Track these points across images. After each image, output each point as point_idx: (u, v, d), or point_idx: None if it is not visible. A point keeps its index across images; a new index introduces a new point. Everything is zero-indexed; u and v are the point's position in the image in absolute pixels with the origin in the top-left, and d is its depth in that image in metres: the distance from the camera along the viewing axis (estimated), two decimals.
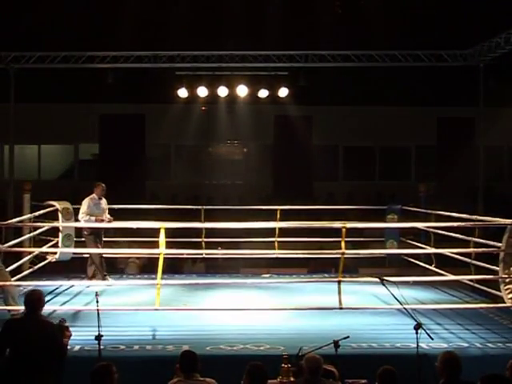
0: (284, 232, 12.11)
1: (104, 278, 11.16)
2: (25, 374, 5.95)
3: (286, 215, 12.01)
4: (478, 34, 14.37)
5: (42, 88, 17.51)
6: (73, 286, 10.40)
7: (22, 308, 8.13)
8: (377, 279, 7.02)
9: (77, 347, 7.08)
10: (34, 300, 6.23)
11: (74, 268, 11.69)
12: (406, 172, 20.12)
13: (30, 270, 10.83)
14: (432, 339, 6.49)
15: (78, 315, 8.54)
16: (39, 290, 6.55)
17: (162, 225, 8.52)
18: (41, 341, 6.00)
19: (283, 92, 15.98)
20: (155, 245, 8.67)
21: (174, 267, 12.74)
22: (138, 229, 11.35)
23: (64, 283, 10.36)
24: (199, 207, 12.73)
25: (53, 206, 11.34)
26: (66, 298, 9.90)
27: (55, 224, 10.99)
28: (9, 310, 8.32)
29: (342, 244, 8.64)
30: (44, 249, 10.84)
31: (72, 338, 6.67)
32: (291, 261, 12.30)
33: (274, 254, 11.08)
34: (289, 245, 12.21)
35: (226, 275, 11.99)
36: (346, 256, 8.84)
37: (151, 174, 19.53)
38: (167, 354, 7.11)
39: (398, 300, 6.61)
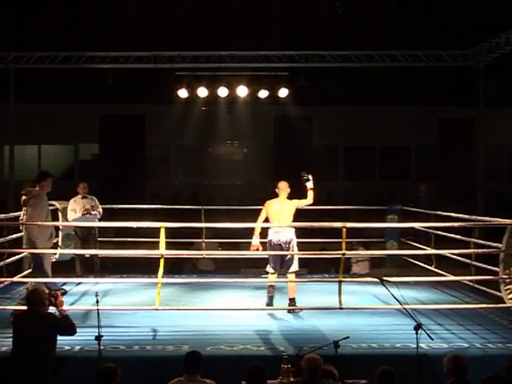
0: None
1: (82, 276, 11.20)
2: (23, 366, 6.03)
3: None
4: (478, 34, 14.36)
5: (41, 88, 17.49)
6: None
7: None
8: (377, 279, 7.02)
9: (77, 347, 7.08)
10: (35, 298, 6.38)
11: (72, 268, 11.67)
12: (405, 172, 20.11)
13: (30, 269, 10.80)
14: (432, 339, 6.50)
15: (77, 315, 8.52)
16: (39, 288, 6.65)
17: (162, 224, 8.51)
18: (40, 335, 6.13)
19: (283, 92, 15.96)
20: (155, 245, 8.65)
21: (174, 267, 12.73)
22: (138, 228, 11.32)
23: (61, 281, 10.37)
24: (199, 207, 12.73)
25: (53, 205, 11.33)
26: (66, 298, 9.88)
27: (55, 223, 10.96)
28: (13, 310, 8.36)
29: (343, 244, 8.61)
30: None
31: (72, 338, 6.70)
32: None
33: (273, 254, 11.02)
34: None
35: (225, 275, 11.98)
36: (346, 256, 8.82)
37: (151, 174, 19.51)
38: (167, 354, 7.11)
39: (397, 300, 6.61)
